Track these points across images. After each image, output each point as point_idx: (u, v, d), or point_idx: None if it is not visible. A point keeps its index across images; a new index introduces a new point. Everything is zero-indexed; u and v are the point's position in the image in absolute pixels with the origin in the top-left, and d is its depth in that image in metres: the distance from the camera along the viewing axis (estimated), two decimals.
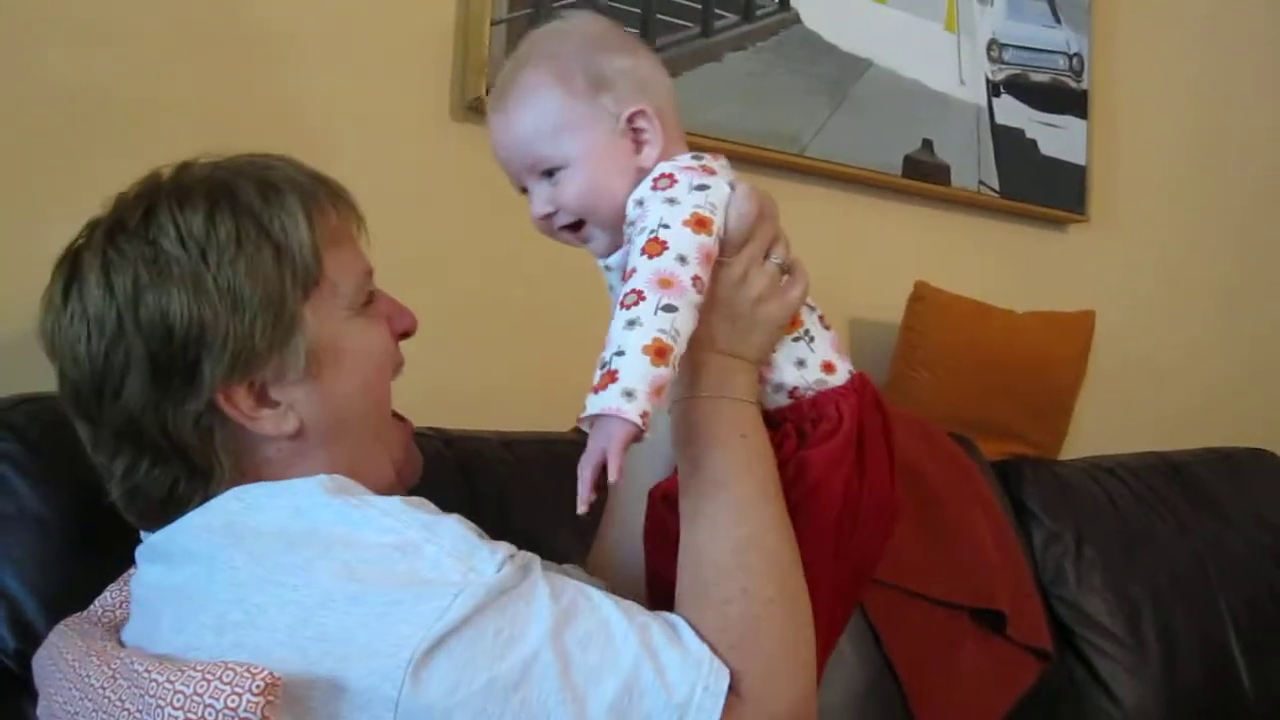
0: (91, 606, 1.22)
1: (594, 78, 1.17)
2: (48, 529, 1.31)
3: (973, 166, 2.61)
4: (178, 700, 0.93)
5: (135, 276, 1.06)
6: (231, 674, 0.93)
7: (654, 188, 1.14)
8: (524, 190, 1.22)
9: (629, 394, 1.02)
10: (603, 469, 1.02)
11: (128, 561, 1.19)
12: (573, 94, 1.17)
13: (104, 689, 1.01)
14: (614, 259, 1.19)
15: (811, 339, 1.22)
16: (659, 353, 1.04)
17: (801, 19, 2.37)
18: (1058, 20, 2.77)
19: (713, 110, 2.24)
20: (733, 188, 1.16)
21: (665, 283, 1.07)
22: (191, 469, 1.10)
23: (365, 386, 1.16)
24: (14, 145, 1.66)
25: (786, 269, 1.21)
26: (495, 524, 1.16)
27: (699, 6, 2.22)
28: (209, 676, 0.94)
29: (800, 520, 1.15)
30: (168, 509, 1.11)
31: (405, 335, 1.25)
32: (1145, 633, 2.16)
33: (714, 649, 1.03)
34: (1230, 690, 2.22)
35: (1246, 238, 3.18)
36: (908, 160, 2.51)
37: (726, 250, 1.15)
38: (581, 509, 1.02)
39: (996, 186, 2.65)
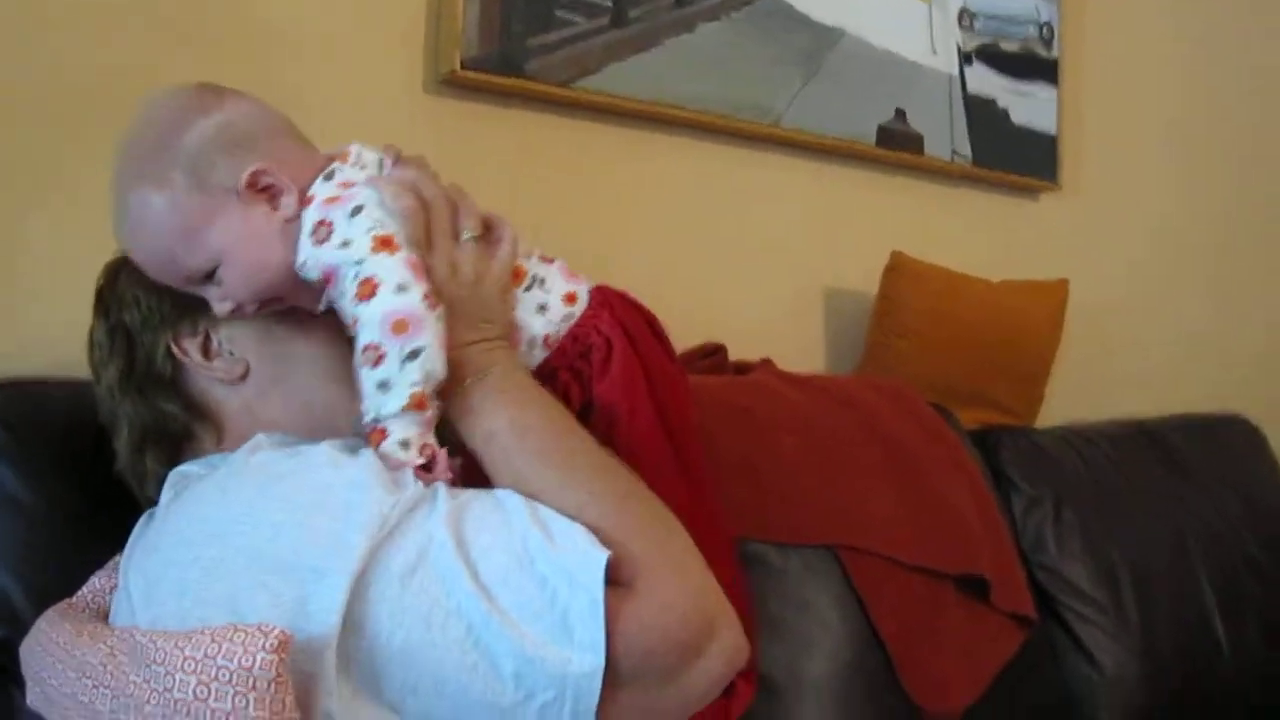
0: (80, 592, 1.20)
1: (188, 164, 1.09)
2: (33, 515, 1.29)
3: (945, 136, 2.61)
4: (189, 665, 0.94)
5: (120, 280, 1.23)
6: (243, 635, 0.94)
7: (317, 244, 1.09)
8: None
9: (404, 444, 1.06)
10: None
11: (115, 547, 1.18)
12: (178, 194, 1.09)
13: (103, 665, 1.00)
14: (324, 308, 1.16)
15: (542, 281, 1.19)
16: (418, 404, 1.06)
17: None
18: None
19: (686, 81, 2.22)
20: (375, 190, 1.11)
21: (399, 325, 1.05)
22: (169, 431, 1.21)
23: (305, 336, 1.21)
24: None
25: (484, 234, 1.17)
26: None
27: None
28: (219, 639, 0.94)
29: (635, 447, 1.15)
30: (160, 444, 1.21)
31: None
32: (1124, 598, 2.17)
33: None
34: (1208, 654, 2.23)
35: (1220, 202, 3.19)
36: (881, 130, 2.50)
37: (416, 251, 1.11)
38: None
39: (969, 155, 2.65)
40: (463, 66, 1.95)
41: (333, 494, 1.03)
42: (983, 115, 2.67)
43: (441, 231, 1.14)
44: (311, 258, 1.09)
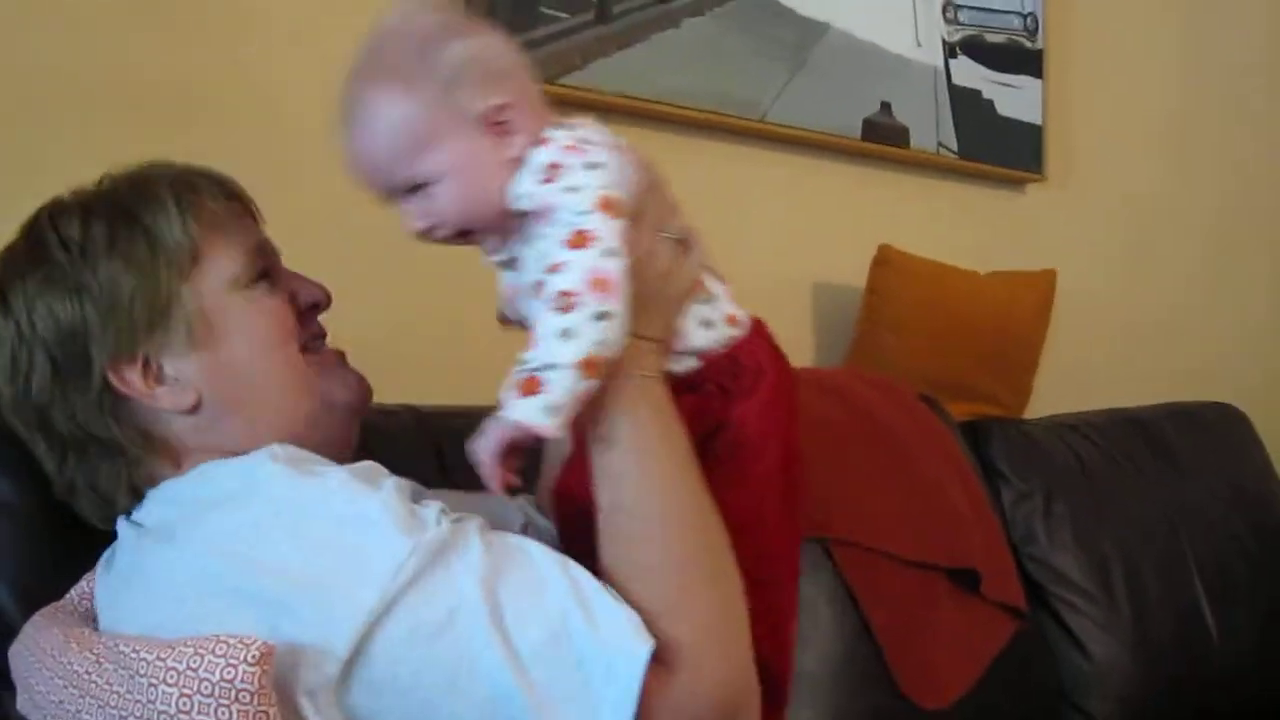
0: (68, 595, 1.20)
1: (442, 78, 1.08)
2: (20, 518, 1.28)
3: (931, 128, 2.61)
4: (171, 677, 0.93)
5: (25, 290, 1.15)
6: (225, 646, 0.93)
7: (543, 182, 1.08)
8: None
9: (553, 409, 1.00)
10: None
11: (103, 549, 1.17)
12: (424, 103, 1.08)
13: (89, 674, 0.99)
14: (504, 256, 1.15)
15: (713, 298, 1.18)
16: (590, 366, 1.01)
17: None
18: None
19: (671, 77, 2.22)
20: (617, 156, 1.10)
21: (600, 284, 1.02)
22: (109, 454, 1.16)
23: (255, 351, 1.19)
24: None
25: (683, 237, 1.17)
26: None
27: None
28: (201, 650, 0.93)
29: (750, 477, 1.14)
30: (102, 498, 1.18)
31: (315, 307, 1.27)
32: (1115, 588, 2.17)
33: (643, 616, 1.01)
34: (1199, 641, 2.24)
35: (1205, 191, 3.19)
36: (867, 123, 2.51)
37: None
38: (501, 491, 1.03)
39: (955, 148, 2.65)
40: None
41: (345, 531, 1.01)
42: (968, 107, 2.68)
43: (653, 219, 1.13)
44: (533, 192, 1.08)
